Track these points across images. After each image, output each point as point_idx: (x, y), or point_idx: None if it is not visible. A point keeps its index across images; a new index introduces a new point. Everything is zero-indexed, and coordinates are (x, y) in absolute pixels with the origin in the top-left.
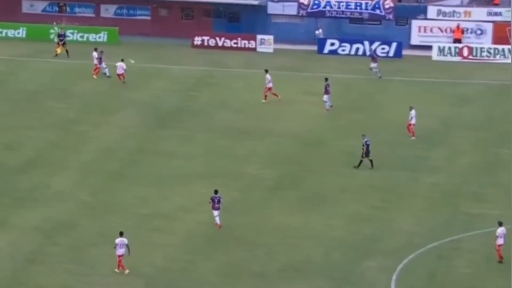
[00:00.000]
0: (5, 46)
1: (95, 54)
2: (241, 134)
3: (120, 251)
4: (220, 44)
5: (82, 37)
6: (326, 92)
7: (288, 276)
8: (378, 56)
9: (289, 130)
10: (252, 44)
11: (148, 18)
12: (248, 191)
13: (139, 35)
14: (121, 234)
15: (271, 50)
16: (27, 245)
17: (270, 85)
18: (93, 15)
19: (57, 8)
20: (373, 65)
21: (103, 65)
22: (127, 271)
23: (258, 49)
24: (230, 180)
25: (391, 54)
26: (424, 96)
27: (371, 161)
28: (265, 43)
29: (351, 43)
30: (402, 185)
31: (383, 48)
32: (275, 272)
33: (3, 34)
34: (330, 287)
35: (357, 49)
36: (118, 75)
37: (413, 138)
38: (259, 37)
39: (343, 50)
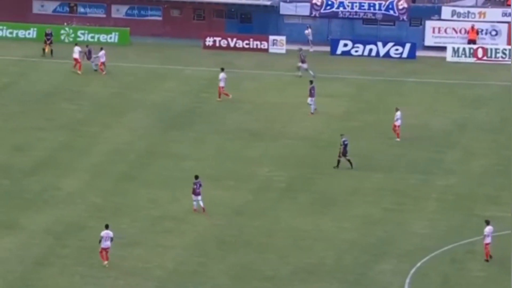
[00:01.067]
0: (15, 47)
1: (77, 48)
2: (253, 136)
3: (106, 244)
4: (232, 45)
5: (93, 37)
6: (311, 94)
7: (300, 279)
8: (305, 56)
9: (301, 132)
10: (264, 45)
11: (160, 18)
12: (260, 193)
13: (150, 36)
14: (106, 227)
15: (283, 51)
16: (37, 247)
17: (222, 84)
18: (104, 16)
19: (68, 9)
20: (302, 65)
21: (92, 59)
22: (106, 262)
23: (270, 50)
24: (241, 182)
25: (404, 55)
26: (438, 97)
27: (349, 160)
28: (278, 44)
29: (364, 44)
30: (415, 187)
31: (396, 49)
32: (287, 275)
33: (14, 35)
34: None
35: (370, 50)
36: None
37: (397, 139)
38: (271, 38)
39: (356, 51)
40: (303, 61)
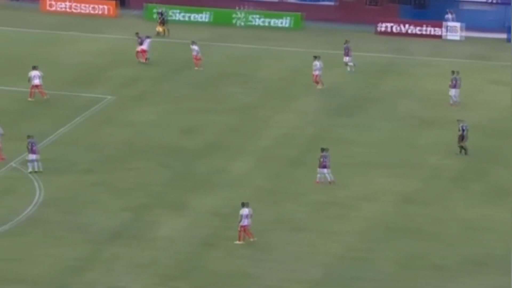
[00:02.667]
0: (189, 30)
1: (195, 47)
2: (424, 124)
3: (246, 221)
4: (404, 31)
5: (264, 22)
6: (454, 86)
7: (469, 269)
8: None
9: (474, 120)
10: (438, 31)
11: (333, 3)
12: (430, 181)
13: (323, 21)
14: (243, 205)
15: (458, 38)
16: (204, 228)
17: (317, 72)
18: (276, 0)
19: None
20: (347, 59)
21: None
22: (251, 238)
23: (445, 37)
24: (411, 170)
25: None
26: None
27: (462, 147)
28: (452, 31)
29: None
30: None
31: None
32: (455, 264)
33: (187, 18)
34: None
35: None
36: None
37: None
38: (446, 24)
39: None
40: (347, 54)
